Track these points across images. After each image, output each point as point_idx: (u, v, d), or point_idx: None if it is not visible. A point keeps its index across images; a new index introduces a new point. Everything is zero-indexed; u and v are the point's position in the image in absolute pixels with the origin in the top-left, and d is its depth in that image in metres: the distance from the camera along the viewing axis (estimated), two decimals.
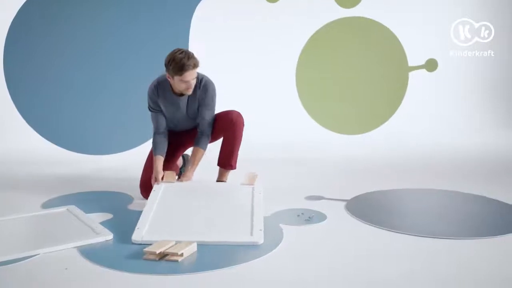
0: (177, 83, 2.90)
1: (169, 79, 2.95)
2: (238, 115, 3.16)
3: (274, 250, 2.30)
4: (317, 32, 4.87)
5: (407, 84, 4.99)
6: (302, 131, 4.77)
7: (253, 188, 2.89)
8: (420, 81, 5.03)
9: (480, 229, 2.60)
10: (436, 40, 5.02)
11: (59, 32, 4.41)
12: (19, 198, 3.23)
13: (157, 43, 4.47)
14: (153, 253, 2.18)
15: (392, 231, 2.53)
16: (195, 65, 2.85)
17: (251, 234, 2.41)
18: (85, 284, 2.01)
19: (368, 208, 2.97)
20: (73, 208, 2.86)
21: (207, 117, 3.09)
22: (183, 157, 3.51)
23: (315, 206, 2.96)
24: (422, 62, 4.99)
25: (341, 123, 4.96)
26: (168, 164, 3.17)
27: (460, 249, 2.31)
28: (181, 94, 3.03)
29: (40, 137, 4.40)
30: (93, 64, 4.44)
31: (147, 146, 4.16)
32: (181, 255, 2.18)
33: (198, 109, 3.10)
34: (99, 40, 4.45)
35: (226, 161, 3.19)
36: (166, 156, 3.12)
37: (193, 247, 2.27)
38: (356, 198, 3.14)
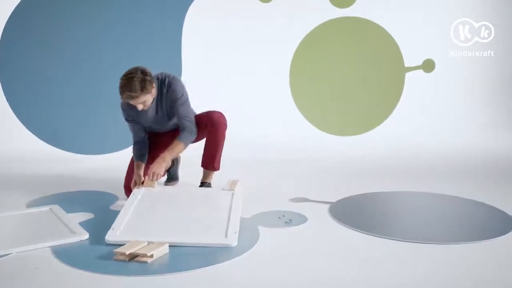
0: None
1: None
2: (220, 116, 3.14)
3: (246, 253, 2.28)
4: (312, 32, 4.85)
5: (403, 85, 4.94)
6: (296, 133, 4.77)
7: (233, 193, 2.87)
8: (420, 81, 4.98)
9: (462, 234, 2.54)
10: (436, 40, 4.97)
11: (51, 31, 4.45)
12: (5, 197, 3.25)
13: (150, 43, 4.50)
14: (123, 254, 2.18)
15: (372, 235, 2.49)
16: (134, 97, 2.78)
17: (226, 236, 2.39)
18: (52, 284, 2.01)
19: (352, 211, 2.93)
20: (56, 207, 2.87)
21: (182, 112, 3.04)
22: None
23: (299, 208, 2.94)
24: (419, 63, 4.93)
25: (336, 125, 4.93)
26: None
27: (442, 254, 2.26)
28: None
29: (33, 136, 4.44)
30: (85, 64, 4.47)
31: None
32: (151, 256, 2.17)
33: (171, 108, 3.08)
34: (92, 40, 4.48)
35: (209, 162, 3.19)
36: (153, 157, 3.11)
37: (165, 249, 2.26)
38: (342, 201, 3.10)
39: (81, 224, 2.63)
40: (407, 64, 4.94)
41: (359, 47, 4.93)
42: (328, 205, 3.00)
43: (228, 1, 4.75)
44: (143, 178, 2.99)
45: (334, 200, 3.10)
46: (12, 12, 4.36)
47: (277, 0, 4.76)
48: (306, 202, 3.08)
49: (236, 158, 4.11)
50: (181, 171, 3.61)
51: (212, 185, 3.23)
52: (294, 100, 4.91)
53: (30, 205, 3.03)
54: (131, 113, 3.09)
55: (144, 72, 2.82)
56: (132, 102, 2.84)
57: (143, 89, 2.79)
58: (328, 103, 4.95)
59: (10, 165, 4.07)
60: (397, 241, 2.40)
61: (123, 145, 4.41)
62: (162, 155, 2.99)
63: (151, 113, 3.07)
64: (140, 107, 2.88)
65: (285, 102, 4.87)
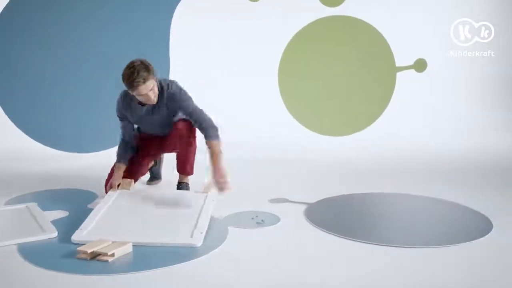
0: (136, 96, 2.88)
1: None
2: (182, 128, 3.06)
3: (211, 252, 2.28)
4: (301, 31, 4.83)
5: (394, 84, 4.89)
6: (285, 132, 4.73)
7: (206, 196, 2.86)
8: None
9: (437, 237, 2.50)
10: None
11: (45, 30, 4.47)
12: None
13: (137, 43, 4.50)
14: (85, 253, 2.19)
15: (342, 237, 2.45)
16: (144, 80, 2.76)
17: (191, 236, 2.39)
18: (11, 281, 2.03)
19: (328, 213, 2.90)
20: (32, 205, 2.89)
21: (194, 117, 2.98)
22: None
23: (275, 209, 2.91)
24: (412, 62, 4.89)
25: (326, 125, 4.90)
26: (136, 167, 3.21)
27: (412, 258, 2.22)
28: (145, 104, 2.99)
29: (24, 134, 4.48)
30: (74, 62, 4.48)
31: None
32: (112, 255, 2.18)
33: (168, 115, 3.06)
34: (79, 39, 4.49)
35: (183, 168, 3.22)
36: (140, 158, 3.15)
37: (128, 248, 2.27)
38: (320, 202, 3.07)
39: (55, 222, 2.65)
40: (399, 63, 4.88)
41: (349, 46, 4.88)
42: (306, 206, 2.97)
43: (216, 0, 4.74)
44: (120, 181, 3.00)
45: (314, 201, 3.07)
46: (2, 11, 4.41)
47: None
48: (284, 203, 3.06)
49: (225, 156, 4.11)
50: (164, 170, 3.61)
51: (189, 185, 3.24)
52: (283, 100, 4.89)
53: (9, 202, 3.06)
54: (124, 111, 3.07)
55: (142, 61, 2.80)
56: (142, 87, 2.77)
57: (149, 72, 2.77)
58: (317, 102, 4.91)
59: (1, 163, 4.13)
60: (365, 244, 2.37)
61: (111, 143, 4.44)
62: (218, 167, 2.81)
63: (147, 114, 3.04)
64: (151, 95, 2.84)
65: (274, 102, 4.84)
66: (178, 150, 3.17)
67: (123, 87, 2.89)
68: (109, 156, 4.26)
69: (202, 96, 4.57)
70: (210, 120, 2.98)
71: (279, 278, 2.04)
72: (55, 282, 2.01)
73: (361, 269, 2.12)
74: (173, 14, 4.59)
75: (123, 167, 3.10)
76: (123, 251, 2.23)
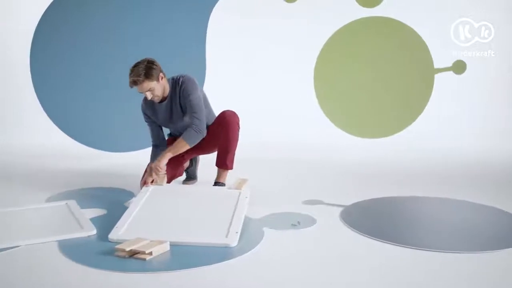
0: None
1: None
2: (232, 114, 3.15)
3: (247, 253, 2.27)
4: (338, 32, 4.81)
5: (432, 87, 4.83)
6: (320, 134, 4.72)
7: (240, 192, 2.85)
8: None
9: (481, 243, 2.42)
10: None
11: (84, 31, 4.59)
12: (30, 191, 3.38)
13: (175, 43, 4.58)
14: (123, 250, 2.22)
15: (380, 241, 2.40)
16: (136, 82, 2.89)
17: (226, 236, 2.39)
18: (51, 277, 2.07)
19: (364, 216, 2.87)
20: (72, 202, 2.95)
21: (190, 109, 3.06)
22: (190, 159, 3.54)
23: (310, 210, 2.90)
24: (448, 64, 4.81)
25: (363, 127, 4.86)
26: (173, 167, 3.22)
27: (450, 263, 2.15)
28: (162, 101, 3.09)
29: (64, 134, 4.63)
30: (114, 64, 4.56)
31: None
32: (150, 253, 2.20)
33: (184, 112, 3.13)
34: (118, 39, 4.60)
35: (222, 161, 3.20)
36: (171, 160, 3.16)
37: (165, 247, 2.29)
38: (356, 205, 3.04)
39: (93, 219, 2.70)
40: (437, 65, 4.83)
41: (386, 47, 4.84)
42: (341, 209, 2.94)
43: (252, 1, 4.77)
44: (153, 177, 3.03)
45: (349, 204, 3.04)
46: (45, 12, 4.53)
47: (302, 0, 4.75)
48: (319, 205, 3.03)
49: (257, 157, 4.14)
50: (200, 171, 3.63)
51: (226, 185, 3.23)
52: (318, 102, 4.87)
53: (50, 199, 3.14)
54: (148, 113, 3.16)
55: (150, 62, 2.95)
56: (138, 88, 2.94)
57: (147, 75, 2.90)
58: (354, 104, 4.89)
59: (42, 160, 4.26)
60: (402, 248, 2.33)
61: (148, 143, 4.50)
62: (163, 152, 3.05)
63: (166, 111, 3.14)
64: (148, 95, 2.97)
65: (309, 102, 4.84)
66: (213, 151, 3.20)
67: None
68: (146, 155, 4.36)
69: (237, 97, 4.63)
70: (200, 122, 3.03)
71: (316, 281, 2.02)
72: (95, 279, 2.04)
73: (400, 274, 2.08)
74: (210, 14, 4.63)
75: None
76: (161, 250, 2.26)
